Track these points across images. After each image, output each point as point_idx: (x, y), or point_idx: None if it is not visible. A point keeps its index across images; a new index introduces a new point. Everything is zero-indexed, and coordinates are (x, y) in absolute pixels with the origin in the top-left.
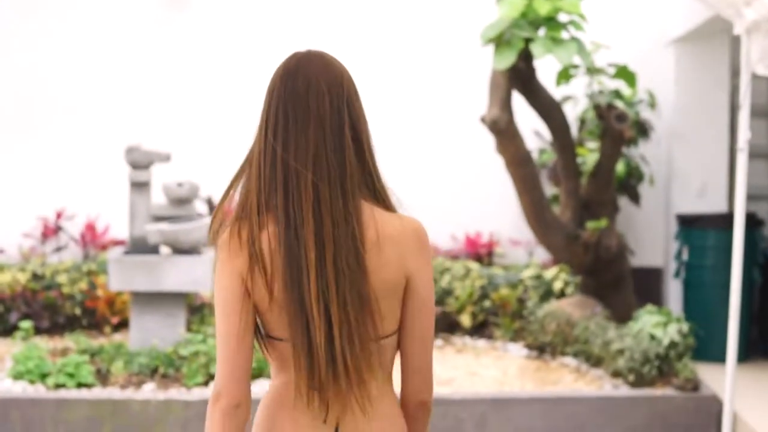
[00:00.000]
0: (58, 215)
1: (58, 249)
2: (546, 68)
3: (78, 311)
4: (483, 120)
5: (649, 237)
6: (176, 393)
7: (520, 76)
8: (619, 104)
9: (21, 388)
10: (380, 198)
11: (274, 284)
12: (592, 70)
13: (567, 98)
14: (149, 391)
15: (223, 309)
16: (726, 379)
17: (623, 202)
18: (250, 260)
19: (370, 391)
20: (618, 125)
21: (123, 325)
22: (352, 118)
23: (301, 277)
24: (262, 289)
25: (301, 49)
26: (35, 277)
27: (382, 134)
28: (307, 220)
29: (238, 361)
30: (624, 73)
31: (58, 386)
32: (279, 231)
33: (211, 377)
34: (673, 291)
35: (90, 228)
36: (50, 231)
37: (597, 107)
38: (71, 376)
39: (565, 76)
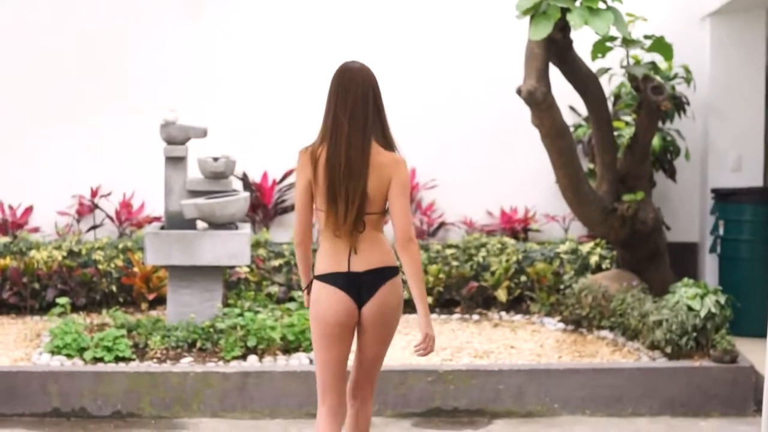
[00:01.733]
0: (94, 193)
1: (94, 227)
2: (582, 42)
3: (114, 288)
4: (519, 92)
5: (685, 212)
6: (214, 366)
7: (557, 48)
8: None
9: (59, 363)
10: (387, 142)
11: (322, 180)
12: (628, 42)
13: (603, 70)
14: (187, 364)
15: (298, 193)
16: (766, 351)
17: (659, 177)
18: (312, 166)
19: (366, 235)
20: (655, 97)
21: (159, 301)
22: (375, 97)
23: (334, 177)
24: (315, 182)
25: (349, 60)
26: (71, 254)
27: (417, 110)
28: (340, 146)
29: (302, 220)
30: (660, 46)
31: (96, 360)
32: (327, 151)
33: (249, 350)
34: (709, 266)
35: (125, 205)
36: (86, 209)
37: (633, 79)
38: (109, 350)
39: (601, 48)
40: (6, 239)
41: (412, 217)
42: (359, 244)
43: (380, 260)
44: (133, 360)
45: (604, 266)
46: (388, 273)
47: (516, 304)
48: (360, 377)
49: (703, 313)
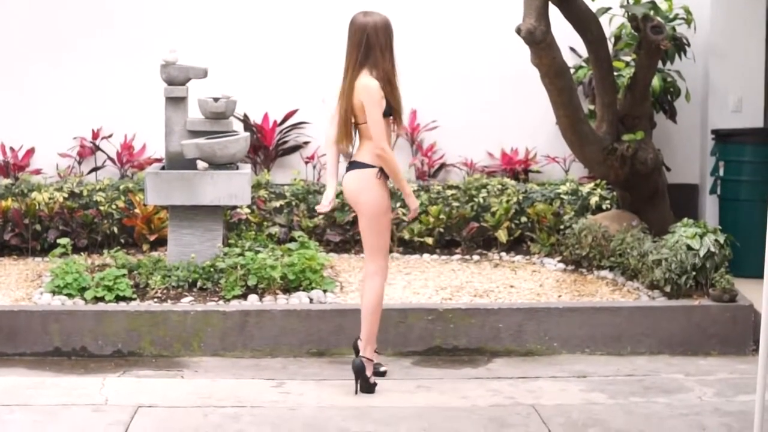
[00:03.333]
0: (95, 135)
1: (95, 169)
2: None
3: (115, 229)
4: (518, 31)
5: (685, 153)
6: (214, 305)
7: None
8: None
9: (60, 302)
10: (379, 74)
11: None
12: None
13: (603, 10)
14: (187, 303)
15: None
16: (763, 290)
17: (659, 118)
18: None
19: (360, 141)
20: (654, 36)
21: (160, 242)
22: (367, 39)
23: (342, 98)
24: None
25: (359, 12)
26: (73, 195)
27: (417, 51)
28: (345, 76)
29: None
30: None
31: (97, 299)
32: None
33: (249, 289)
34: (710, 207)
35: (127, 147)
36: (87, 151)
37: (633, 19)
38: (109, 289)
39: None
40: (7, 181)
41: (381, 129)
42: (356, 149)
43: (356, 157)
44: (134, 299)
45: (604, 207)
46: (354, 165)
47: (516, 245)
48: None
49: (702, 252)
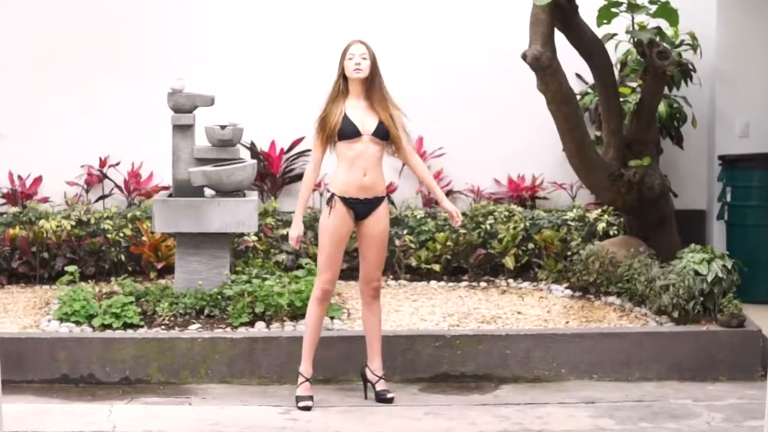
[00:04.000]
0: (103, 163)
1: (103, 197)
2: (587, 7)
3: (123, 257)
4: (524, 57)
5: (692, 179)
6: (222, 332)
7: (562, 13)
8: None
9: (67, 329)
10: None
11: None
12: (634, 7)
13: (609, 36)
14: (195, 330)
15: None
16: None
17: (666, 144)
18: None
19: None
20: (660, 62)
21: (167, 270)
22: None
23: None
24: None
25: (355, 38)
26: (80, 223)
27: (423, 78)
28: None
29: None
30: (666, 11)
31: (105, 327)
32: None
33: (256, 316)
34: (717, 233)
35: (134, 175)
36: (95, 179)
37: (639, 44)
38: (117, 316)
39: (606, 14)
40: (15, 209)
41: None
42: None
43: None
44: (142, 327)
45: (611, 233)
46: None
47: (523, 272)
48: None
49: (710, 278)
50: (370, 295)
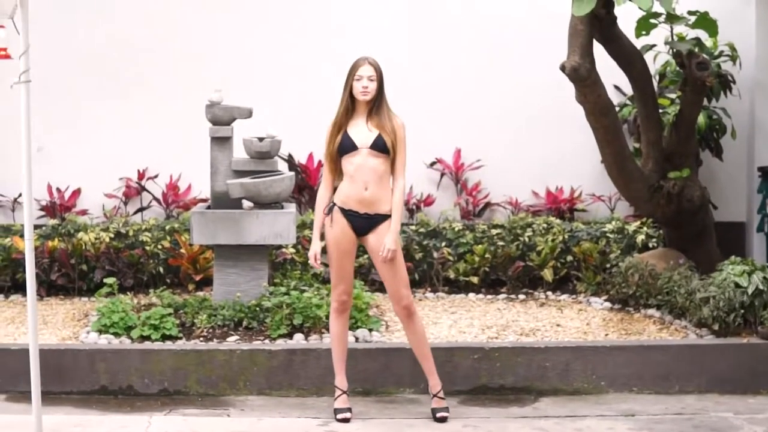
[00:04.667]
0: (141, 175)
1: (141, 209)
2: (626, 19)
3: (161, 269)
4: (563, 68)
5: (732, 191)
6: (260, 344)
7: (600, 24)
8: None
9: (106, 341)
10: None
11: None
12: (673, 18)
13: (647, 47)
14: (233, 342)
15: None
16: None
17: (705, 156)
18: None
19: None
20: (699, 73)
21: (206, 282)
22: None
23: None
24: None
25: (363, 57)
26: (119, 235)
27: (461, 91)
28: None
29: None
30: (705, 22)
31: (143, 338)
32: None
33: (295, 328)
34: (757, 245)
35: (172, 187)
36: (133, 191)
37: (678, 55)
38: (156, 328)
39: (645, 25)
40: (54, 222)
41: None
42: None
43: None
44: (180, 338)
45: (650, 245)
46: None
47: (562, 284)
48: None
49: (750, 290)
50: (403, 315)
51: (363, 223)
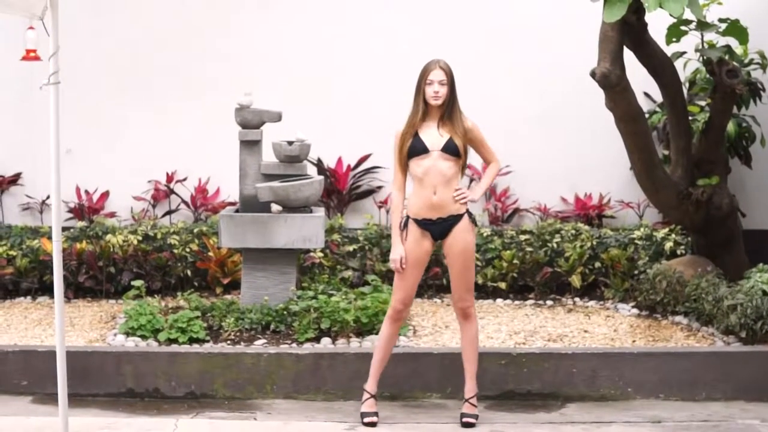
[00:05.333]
0: (170, 178)
1: (170, 212)
2: (656, 26)
3: (189, 272)
4: (593, 74)
5: (761, 199)
6: (287, 348)
7: (631, 31)
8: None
9: (133, 343)
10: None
11: None
12: (703, 25)
13: (678, 54)
14: (260, 345)
15: None
16: None
17: (734, 164)
18: None
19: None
20: (729, 80)
21: (233, 286)
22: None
23: None
24: None
25: (434, 58)
26: (147, 238)
27: (490, 95)
28: None
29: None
30: (735, 29)
31: (170, 341)
32: None
33: (322, 332)
34: None
35: (201, 191)
36: (161, 194)
37: (708, 63)
38: (183, 331)
39: (675, 32)
40: (82, 224)
41: (393, 174)
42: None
43: None
44: (207, 341)
45: (679, 252)
46: None
47: (590, 290)
48: None
49: None
50: (459, 315)
51: (438, 229)
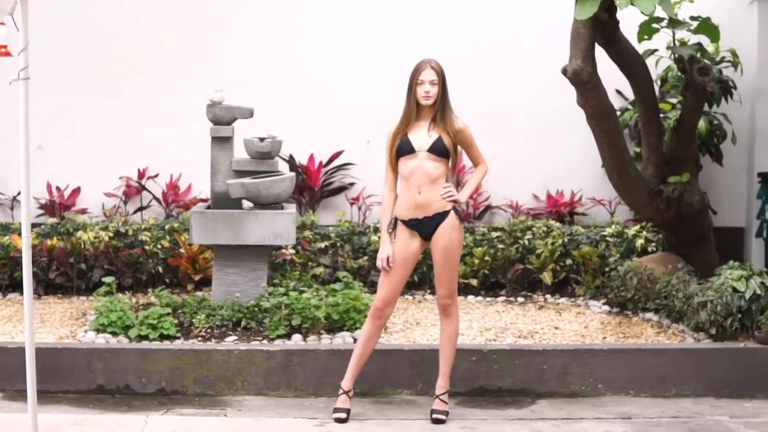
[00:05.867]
0: (141, 175)
1: (141, 208)
2: (628, 24)
3: (160, 269)
4: (565, 72)
5: (732, 196)
6: (258, 344)
7: (603, 28)
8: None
9: (104, 340)
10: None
11: None
12: (675, 23)
13: (649, 52)
14: (231, 342)
15: None
16: None
17: (705, 161)
18: None
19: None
20: (700, 78)
21: (205, 282)
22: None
23: None
24: None
25: (425, 58)
26: (118, 235)
27: (462, 93)
28: None
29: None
30: (706, 27)
31: (141, 338)
32: None
33: (293, 329)
34: (756, 250)
35: (172, 187)
36: (133, 190)
37: (679, 60)
38: (154, 328)
39: (647, 30)
40: (53, 220)
41: (385, 173)
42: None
43: None
44: (178, 338)
45: (649, 249)
46: None
47: (561, 287)
48: None
49: (748, 295)
50: (440, 312)
51: (426, 227)
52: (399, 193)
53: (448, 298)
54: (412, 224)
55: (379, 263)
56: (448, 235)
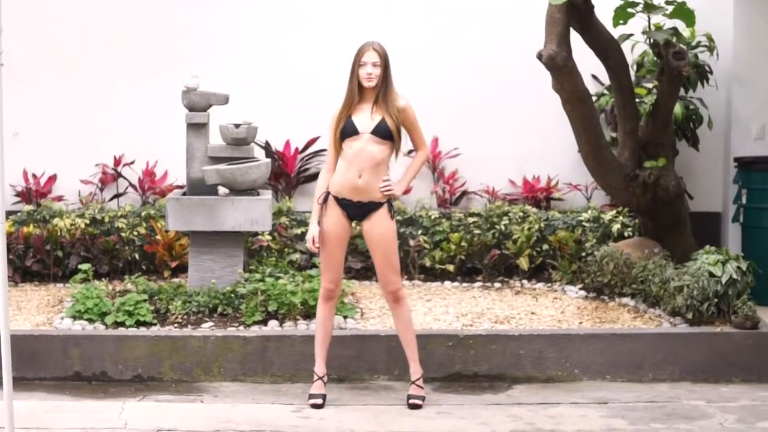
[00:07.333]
0: (117, 162)
1: (117, 195)
2: (603, 8)
3: (137, 256)
4: (540, 56)
5: (708, 181)
6: (234, 331)
7: (578, 13)
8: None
9: (80, 327)
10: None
11: None
12: (650, 7)
13: (625, 36)
14: (208, 328)
15: None
16: None
17: (682, 146)
18: None
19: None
20: (676, 62)
21: (181, 269)
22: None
23: None
24: None
25: (369, 40)
26: (94, 222)
27: (438, 78)
28: None
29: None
30: (682, 11)
31: (117, 324)
32: None
33: (269, 315)
34: (732, 235)
35: (148, 174)
36: (109, 177)
37: (655, 45)
38: (130, 314)
39: (622, 15)
40: (29, 207)
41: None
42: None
43: None
44: (155, 325)
45: (626, 234)
46: None
47: (538, 273)
48: None
49: (724, 279)
50: (390, 300)
51: (357, 210)
52: (336, 174)
53: (395, 283)
54: (344, 203)
55: (307, 244)
56: (383, 224)
